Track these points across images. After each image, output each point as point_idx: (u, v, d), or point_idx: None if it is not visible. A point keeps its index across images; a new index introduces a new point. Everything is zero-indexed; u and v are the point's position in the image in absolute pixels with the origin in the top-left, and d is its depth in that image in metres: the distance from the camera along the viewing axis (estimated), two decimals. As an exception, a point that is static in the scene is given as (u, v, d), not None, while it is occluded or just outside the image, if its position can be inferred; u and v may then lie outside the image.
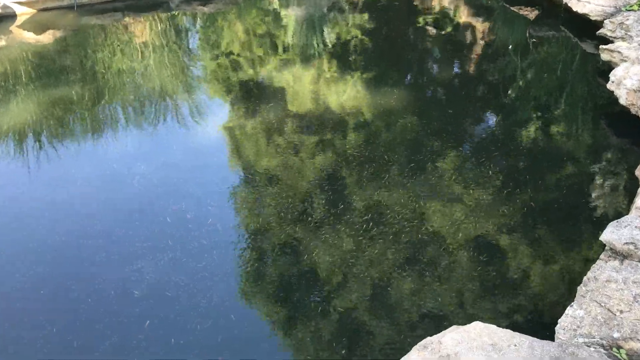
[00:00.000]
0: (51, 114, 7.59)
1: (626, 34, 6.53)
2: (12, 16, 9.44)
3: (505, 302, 4.17)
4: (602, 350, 2.88)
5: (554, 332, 3.25)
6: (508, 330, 3.04)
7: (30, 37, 9.04)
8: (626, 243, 3.57)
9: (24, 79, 8.34)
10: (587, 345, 2.89)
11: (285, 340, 3.98)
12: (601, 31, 7.18)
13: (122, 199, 5.61)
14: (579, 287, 3.53)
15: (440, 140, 6.67)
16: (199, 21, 10.44)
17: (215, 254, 4.87)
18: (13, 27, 9.29)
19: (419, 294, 4.35)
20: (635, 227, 3.69)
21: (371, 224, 5.21)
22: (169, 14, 10.38)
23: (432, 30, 10.03)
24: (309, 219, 5.30)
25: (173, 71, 9.11)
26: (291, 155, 6.42)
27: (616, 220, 3.91)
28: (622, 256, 3.52)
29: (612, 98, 6.41)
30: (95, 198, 5.55)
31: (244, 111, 7.91)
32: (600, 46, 6.97)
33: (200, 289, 4.44)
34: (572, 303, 3.43)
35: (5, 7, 9.37)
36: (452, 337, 2.94)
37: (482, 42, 9.56)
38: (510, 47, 9.16)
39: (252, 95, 8.32)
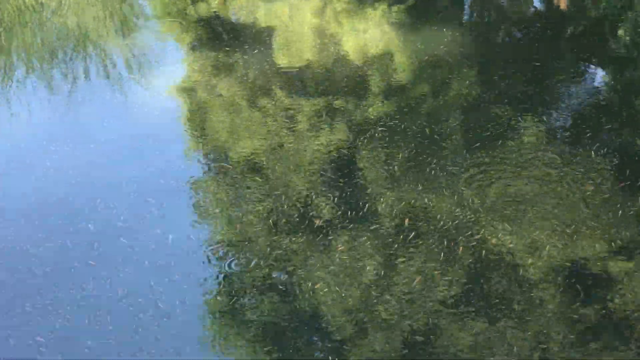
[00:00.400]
0: None
1: None
2: None
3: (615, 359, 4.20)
4: None
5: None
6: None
7: None
8: None
9: None
10: None
11: None
12: None
13: (20, 202, 5.71)
14: None
15: (516, 108, 6.65)
16: None
17: (166, 286, 4.89)
18: None
19: (484, 348, 4.33)
20: None
21: (408, 238, 5.22)
22: None
23: None
24: (311, 231, 5.30)
25: (100, 3, 9.06)
26: (284, 132, 6.53)
27: None
28: None
29: None
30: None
31: (210, 64, 7.82)
32: None
33: (139, 345, 4.47)
34: None
35: None
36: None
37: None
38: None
39: (222, 38, 8.28)
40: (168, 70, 7.79)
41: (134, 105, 7.27)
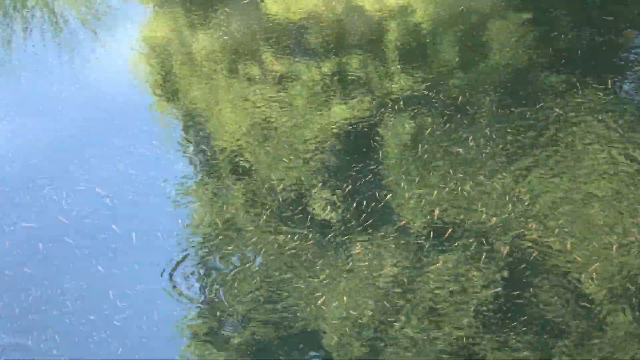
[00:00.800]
0: None
1: None
2: None
3: None
4: None
5: None
6: None
7: None
8: None
9: None
10: None
11: None
12: None
13: None
14: None
15: (576, 75, 6.64)
16: None
17: (127, 299, 4.82)
18: None
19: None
20: None
21: (439, 237, 5.19)
22: None
23: None
24: (316, 231, 5.28)
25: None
26: (278, 105, 6.57)
27: None
28: None
29: None
30: None
31: (184, 16, 7.95)
32: None
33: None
34: None
35: None
36: None
37: None
38: None
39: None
40: (132, 27, 7.97)
41: (89, 71, 7.36)
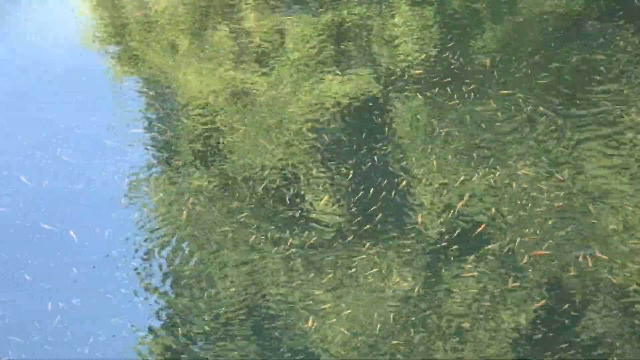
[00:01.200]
0: None
1: None
2: None
3: None
4: None
5: None
6: None
7: None
8: None
9: None
10: None
11: None
12: None
13: None
14: None
15: None
16: None
17: (70, 312, 4.75)
18: None
19: None
20: None
21: (465, 238, 5.12)
22: None
23: None
24: (307, 232, 5.29)
25: None
26: (259, 72, 6.56)
27: None
28: None
29: None
30: None
31: None
32: None
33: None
34: None
35: None
36: None
37: None
38: None
39: None
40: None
41: (23, 31, 7.44)
